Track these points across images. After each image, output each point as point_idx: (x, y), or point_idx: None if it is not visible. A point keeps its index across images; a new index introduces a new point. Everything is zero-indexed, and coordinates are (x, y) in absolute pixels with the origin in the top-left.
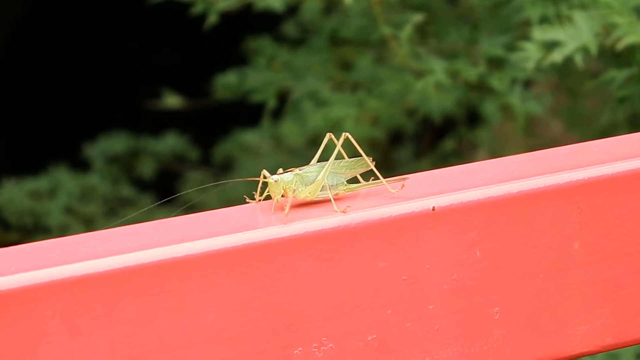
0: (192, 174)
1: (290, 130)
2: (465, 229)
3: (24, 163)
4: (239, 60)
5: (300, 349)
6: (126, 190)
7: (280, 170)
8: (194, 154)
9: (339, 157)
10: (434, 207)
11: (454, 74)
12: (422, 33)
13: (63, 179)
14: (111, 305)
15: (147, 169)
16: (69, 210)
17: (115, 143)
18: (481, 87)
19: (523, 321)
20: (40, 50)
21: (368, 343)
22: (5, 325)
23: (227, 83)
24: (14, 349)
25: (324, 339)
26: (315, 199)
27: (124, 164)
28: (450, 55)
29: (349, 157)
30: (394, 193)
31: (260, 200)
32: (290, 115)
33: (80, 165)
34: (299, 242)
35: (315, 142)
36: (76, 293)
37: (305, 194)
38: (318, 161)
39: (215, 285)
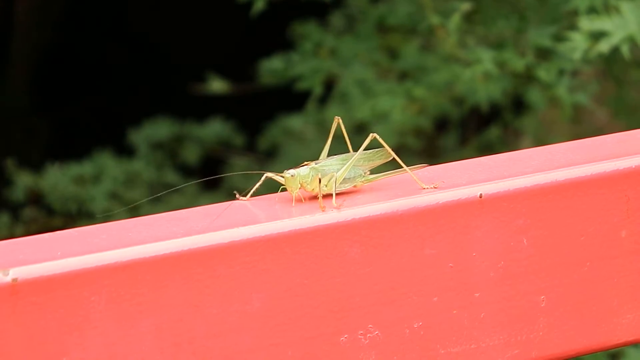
0: (236, 160)
1: (334, 116)
2: (512, 217)
3: (68, 148)
4: (285, 45)
5: (346, 335)
6: (171, 176)
7: (305, 163)
8: (238, 139)
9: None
10: (481, 194)
11: (501, 64)
12: (469, 22)
13: (107, 164)
14: (158, 290)
15: (191, 154)
16: (113, 196)
17: (159, 129)
18: (528, 77)
19: (569, 309)
20: (86, 36)
21: (414, 330)
22: (52, 310)
23: (272, 68)
24: (61, 334)
25: (370, 326)
26: (332, 192)
27: (169, 150)
28: (497, 45)
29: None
30: (424, 187)
31: (248, 198)
32: (335, 101)
33: (125, 150)
34: (347, 228)
35: (360, 129)
36: (122, 278)
37: (322, 188)
38: (329, 152)
39: (262, 271)
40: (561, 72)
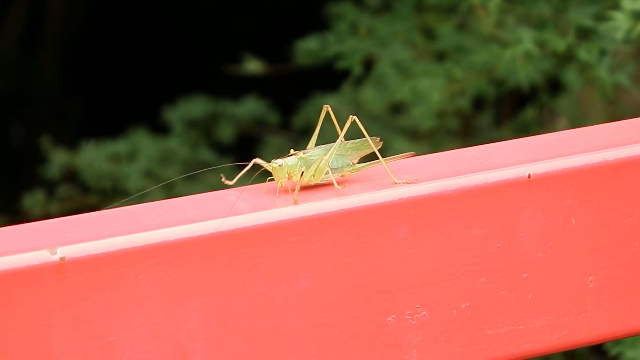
0: (271, 138)
1: (370, 96)
2: (560, 197)
3: (103, 126)
4: (320, 25)
5: (393, 316)
6: (206, 155)
7: (292, 150)
8: (273, 118)
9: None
10: (529, 174)
11: (541, 44)
12: (509, 1)
13: (142, 142)
14: (205, 270)
15: (226, 133)
16: (148, 174)
17: (194, 107)
18: (569, 58)
19: (617, 290)
20: (121, 13)
21: (462, 311)
22: (99, 289)
23: (307, 48)
24: (108, 314)
25: (418, 306)
26: (320, 182)
27: (204, 128)
28: (537, 25)
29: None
30: (396, 182)
31: (232, 184)
32: (371, 81)
33: (160, 128)
34: (394, 208)
35: (396, 109)
36: (170, 258)
37: (309, 177)
38: (317, 141)
39: (309, 251)
40: (602, 53)
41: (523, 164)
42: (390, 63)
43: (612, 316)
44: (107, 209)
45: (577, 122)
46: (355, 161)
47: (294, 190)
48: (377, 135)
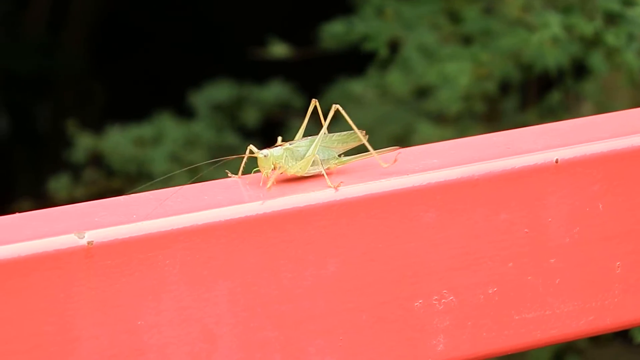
0: (296, 122)
1: (396, 80)
2: (588, 182)
3: (128, 110)
4: (346, 9)
5: (420, 301)
6: (230, 139)
7: (280, 139)
8: (298, 102)
9: (320, 129)
10: (557, 159)
11: (568, 29)
12: None
13: (167, 126)
14: (232, 254)
15: (251, 117)
16: (173, 158)
17: (219, 91)
18: (596, 42)
19: None
20: None
21: (489, 296)
22: (127, 273)
23: (333, 32)
24: (135, 298)
25: (445, 291)
26: (306, 174)
27: (228, 112)
28: (563, 9)
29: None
30: (385, 167)
31: (241, 176)
32: (396, 65)
33: (185, 112)
34: (421, 193)
35: (422, 93)
36: (197, 242)
37: (295, 169)
38: (305, 132)
39: (336, 235)
40: (630, 37)
41: (550, 149)
42: (416, 46)
43: (639, 301)
44: (132, 192)
45: (602, 106)
46: (342, 153)
47: (270, 179)
48: (402, 119)
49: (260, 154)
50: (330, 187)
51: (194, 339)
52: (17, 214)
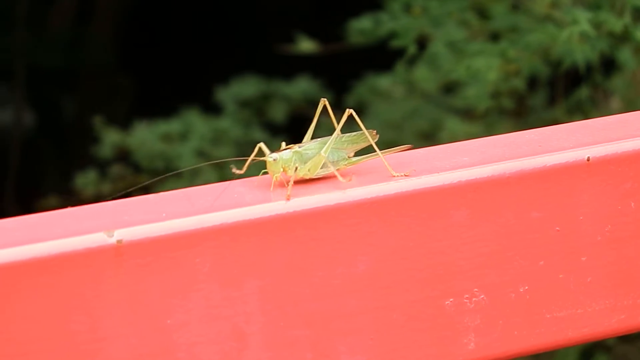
0: (323, 118)
1: (423, 75)
2: (620, 180)
3: (153, 106)
4: (373, 5)
5: (451, 299)
6: (258, 134)
7: (283, 144)
8: (326, 98)
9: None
10: (588, 157)
11: (597, 25)
12: None
13: (195, 122)
14: (262, 253)
15: (278, 113)
16: (200, 154)
17: (247, 87)
18: (624, 38)
19: None
20: None
21: (520, 294)
22: (156, 272)
23: (361, 28)
24: (165, 296)
25: (476, 289)
26: (315, 176)
27: (256, 108)
28: (592, 5)
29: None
30: (395, 176)
31: (240, 173)
32: (424, 60)
33: (212, 108)
34: (452, 191)
35: (449, 88)
36: (227, 240)
37: (304, 172)
38: (313, 133)
39: (367, 234)
40: None
41: (582, 147)
42: (444, 43)
43: None
44: (146, 182)
45: (630, 102)
46: (352, 154)
47: (288, 184)
48: (430, 115)
49: (270, 157)
50: (343, 181)
51: (223, 337)
52: (48, 212)
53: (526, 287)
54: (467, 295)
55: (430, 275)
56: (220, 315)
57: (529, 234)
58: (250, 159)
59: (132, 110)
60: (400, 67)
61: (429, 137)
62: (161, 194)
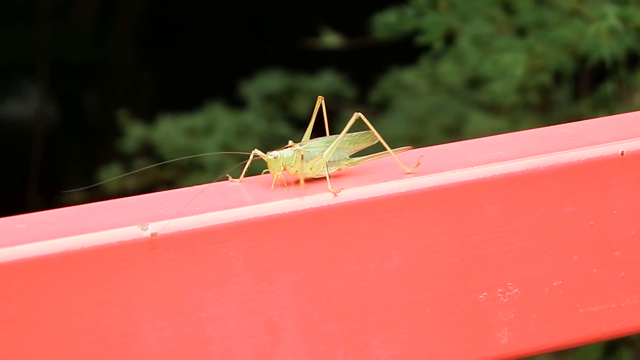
0: (348, 112)
1: (449, 70)
2: None
3: (178, 100)
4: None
5: (485, 294)
6: (282, 129)
7: (291, 141)
8: (350, 92)
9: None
10: (622, 151)
11: (624, 20)
12: None
13: (219, 116)
14: (296, 247)
15: (302, 107)
16: (224, 148)
17: (271, 81)
18: None
19: None
20: None
21: (553, 289)
22: (190, 265)
23: (386, 22)
24: (199, 290)
25: (510, 284)
26: (316, 176)
27: (280, 102)
28: (619, 0)
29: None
30: (407, 172)
31: (242, 180)
32: (449, 55)
33: (236, 102)
34: (486, 185)
35: (474, 84)
36: (261, 234)
37: (306, 171)
38: (313, 132)
39: (401, 228)
40: None
41: (616, 142)
42: (469, 38)
43: None
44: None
45: None
46: (352, 155)
47: (298, 182)
48: (454, 110)
49: (270, 155)
50: (331, 191)
51: (257, 331)
52: (81, 205)
53: (560, 282)
54: (500, 290)
55: (463, 269)
56: (254, 309)
57: (563, 228)
58: (246, 165)
59: (155, 104)
60: (424, 62)
61: (453, 132)
62: (195, 187)
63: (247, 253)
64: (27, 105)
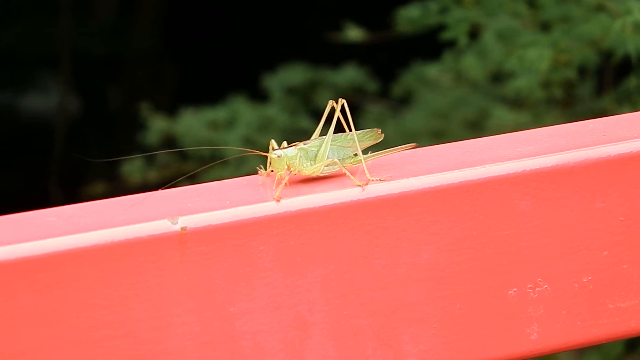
0: (370, 106)
1: (472, 64)
2: None
3: (200, 93)
4: None
5: (514, 289)
6: (304, 122)
7: (285, 144)
8: (372, 86)
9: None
10: None
11: None
12: None
13: (241, 109)
14: (326, 241)
15: (325, 100)
16: (247, 141)
17: (293, 74)
18: None
19: None
20: None
21: (583, 285)
22: (220, 259)
23: (409, 16)
24: (229, 284)
25: (539, 279)
26: (321, 174)
27: (302, 96)
28: None
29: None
30: (371, 179)
31: (267, 174)
32: (472, 49)
33: (259, 96)
34: (517, 180)
35: (497, 77)
36: (291, 228)
37: (310, 170)
38: (322, 132)
39: (431, 223)
40: None
41: None
42: (493, 33)
43: None
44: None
45: None
46: (357, 153)
47: (280, 184)
48: (477, 104)
49: (274, 154)
50: (358, 185)
51: (286, 326)
52: (111, 199)
53: (590, 278)
54: (530, 285)
55: (493, 264)
56: (283, 304)
57: (593, 224)
58: (269, 159)
59: (176, 97)
60: (447, 56)
61: (476, 126)
62: (224, 181)
63: (277, 247)
64: (49, 98)
